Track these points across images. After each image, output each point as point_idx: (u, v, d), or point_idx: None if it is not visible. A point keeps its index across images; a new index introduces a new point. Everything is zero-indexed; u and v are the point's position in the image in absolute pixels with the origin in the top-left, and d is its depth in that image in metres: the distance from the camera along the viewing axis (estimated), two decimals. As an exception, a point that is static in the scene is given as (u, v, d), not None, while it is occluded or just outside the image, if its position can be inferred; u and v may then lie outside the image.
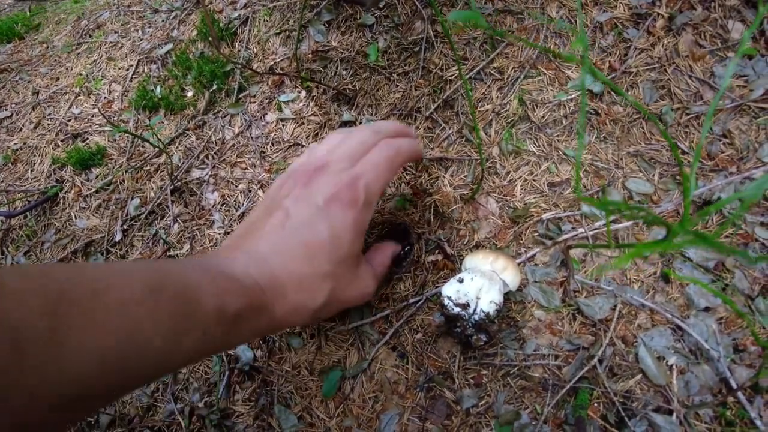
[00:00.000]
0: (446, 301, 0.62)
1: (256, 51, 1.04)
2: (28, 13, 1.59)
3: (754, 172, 0.68)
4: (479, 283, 0.61)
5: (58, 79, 1.27)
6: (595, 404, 0.60)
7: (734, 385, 0.57)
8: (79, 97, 1.20)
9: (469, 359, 0.67)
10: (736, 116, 0.71)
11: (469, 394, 0.65)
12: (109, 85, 1.18)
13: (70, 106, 1.19)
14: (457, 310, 0.61)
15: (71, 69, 1.27)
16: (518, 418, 0.62)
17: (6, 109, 1.25)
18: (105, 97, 1.17)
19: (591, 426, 0.59)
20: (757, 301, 0.61)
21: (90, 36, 1.34)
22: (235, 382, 0.77)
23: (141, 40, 1.24)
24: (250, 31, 1.07)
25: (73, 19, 1.45)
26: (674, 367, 0.60)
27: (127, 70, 1.19)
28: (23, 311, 0.31)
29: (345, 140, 0.61)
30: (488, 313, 0.60)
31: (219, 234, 0.88)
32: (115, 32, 1.30)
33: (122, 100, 1.14)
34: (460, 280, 0.63)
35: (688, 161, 0.70)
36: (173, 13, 1.24)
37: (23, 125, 1.21)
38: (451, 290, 0.62)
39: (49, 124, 1.17)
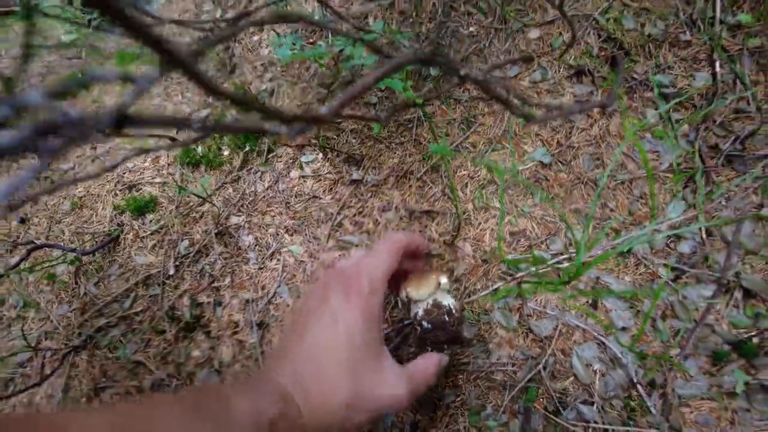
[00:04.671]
0: (422, 314, 0.79)
1: (281, 119, 1.29)
2: (79, 75, 1.85)
3: (661, 226, 0.91)
4: (435, 297, 0.80)
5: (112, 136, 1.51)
6: (540, 399, 0.82)
7: (637, 383, 0.79)
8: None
9: (449, 367, 0.89)
10: (648, 182, 0.95)
11: (449, 392, 0.87)
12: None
13: (123, 160, 1.42)
14: (435, 312, 0.79)
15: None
16: (484, 409, 0.84)
17: (69, 162, 1.49)
18: (154, 154, 1.41)
19: (536, 414, 0.81)
20: (658, 321, 0.84)
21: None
22: None
23: (181, 103, 1.49)
24: (275, 101, 1.32)
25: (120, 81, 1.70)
26: (597, 371, 0.82)
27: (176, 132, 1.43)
28: None
29: (357, 252, 0.71)
30: (450, 305, 0.78)
31: (254, 269, 1.11)
32: (159, 96, 1.55)
33: (168, 157, 1.38)
34: (426, 305, 0.81)
35: (614, 215, 0.94)
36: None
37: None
38: (421, 311, 0.81)
39: (107, 175, 1.41)
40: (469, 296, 0.95)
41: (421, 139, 1.09)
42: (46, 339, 1.18)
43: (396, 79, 0.77)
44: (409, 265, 0.80)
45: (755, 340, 0.78)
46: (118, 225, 1.27)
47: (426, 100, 1.02)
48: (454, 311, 0.77)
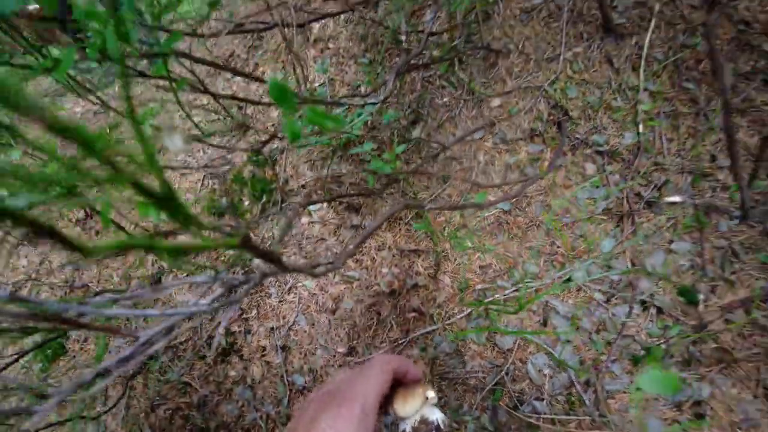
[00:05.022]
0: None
1: (291, 173, 1.55)
2: (107, 130, 2.11)
3: (595, 260, 1.16)
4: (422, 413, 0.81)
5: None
6: (504, 397, 1.07)
7: (576, 383, 1.04)
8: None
9: (435, 376, 1.14)
10: (587, 223, 1.21)
11: (435, 396, 1.11)
12: (185, 194, 1.68)
13: (157, 210, 1.68)
14: (423, 429, 0.69)
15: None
16: (461, 407, 1.08)
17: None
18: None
19: (501, 410, 1.06)
20: (593, 334, 1.09)
21: (163, 154, 1.85)
22: (293, 397, 1.24)
23: (203, 159, 1.75)
24: (286, 158, 1.58)
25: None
26: (547, 374, 1.07)
27: (197, 183, 1.69)
28: None
29: (345, 371, 0.68)
30: (438, 420, 0.81)
31: (275, 302, 1.36)
32: (184, 152, 1.81)
33: (195, 206, 1.64)
34: (414, 422, 0.71)
35: (561, 253, 1.19)
36: (225, 138, 1.75)
37: (124, 225, 1.70)
38: (408, 428, 0.71)
39: (142, 222, 1.66)
40: (449, 319, 1.20)
41: (407, 191, 1.35)
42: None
43: (386, 160, 1.03)
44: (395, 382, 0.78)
45: (663, 346, 1.03)
46: (159, 269, 1.52)
47: (409, 171, 1.27)
48: (442, 426, 0.72)
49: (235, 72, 0.89)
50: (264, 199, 1.53)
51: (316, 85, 1.62)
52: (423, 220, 1.13)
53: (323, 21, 1.69)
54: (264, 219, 1.51)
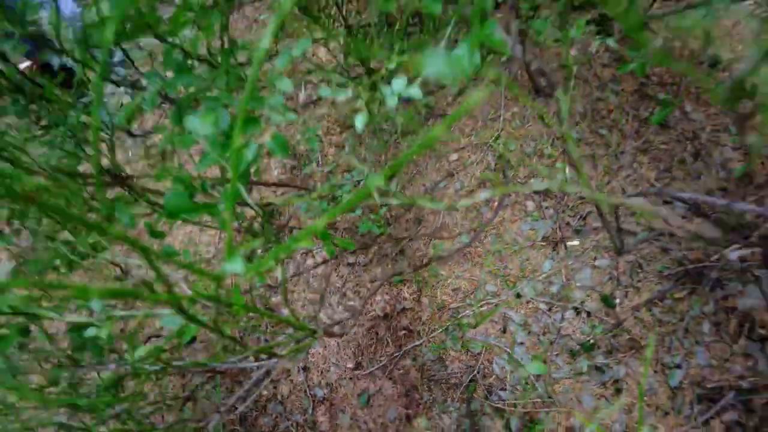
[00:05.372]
0: None
1: (295, 223, 1.88)
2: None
3: (539, 278, 1.51)
4: None
5: (167, 237, 2.09)
6: (477, 390, 1.42)
7: (530, 374, 1.39)
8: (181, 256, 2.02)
9: (424, 379, 1.48)
10: (531, 249, 1.55)
11: (425, 395, 1.45)
12: (206, 247, 2.01)
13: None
14: None
15: (177, 237, 2.10)
16: (446, 402, 1.43)
17: (133, 259, 2.06)
18: (202, 256, 1.99)
19: (475, 401, 1.40)
20: (540, 336, 1.43)
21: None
22: (316, 406, 1.57)
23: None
24: (289, 209, 1.90)
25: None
26: (508, 370, 1.42)
27: (215, 237, 2.02)
28: None
29: None
30: None
31: (291, 331, 1.69)
32: (199, 208, 2.13)
33: (215, 258, 1.96)
34: None
35: (513, 274, 1.54)
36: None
37: (146, 273, 2.01)
38: None
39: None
40: (432, 333, 1.54)
41: (392, 233, 1.69)
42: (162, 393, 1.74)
43: (373, 220, 1.36)
44: None
45: (591, 341, 1.38)
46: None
47: (398, 238, 1.62)
48: None
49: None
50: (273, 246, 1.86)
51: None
52: (405, 256, 1.48)
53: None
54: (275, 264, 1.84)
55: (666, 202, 1.46)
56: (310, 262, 1.80)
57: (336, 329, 1.52)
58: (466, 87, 1.77)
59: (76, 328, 0.71)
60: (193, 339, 1.77)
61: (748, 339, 1.26)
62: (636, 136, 1.61)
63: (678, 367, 1.28)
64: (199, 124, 0.63)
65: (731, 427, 1.18)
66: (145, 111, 2.17)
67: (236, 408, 1.40)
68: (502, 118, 1.69)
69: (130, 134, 1.76)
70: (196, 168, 0.65)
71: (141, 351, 0.74)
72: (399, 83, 0.73)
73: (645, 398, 1.29)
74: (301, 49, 0.72)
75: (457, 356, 1.48)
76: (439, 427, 1.42)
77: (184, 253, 1.05)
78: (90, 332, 0.67)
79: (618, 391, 1.32)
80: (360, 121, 0.77)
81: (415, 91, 0.73)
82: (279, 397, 1.61)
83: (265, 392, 1.62)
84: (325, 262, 1.77)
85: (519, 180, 1.63)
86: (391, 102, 0.72)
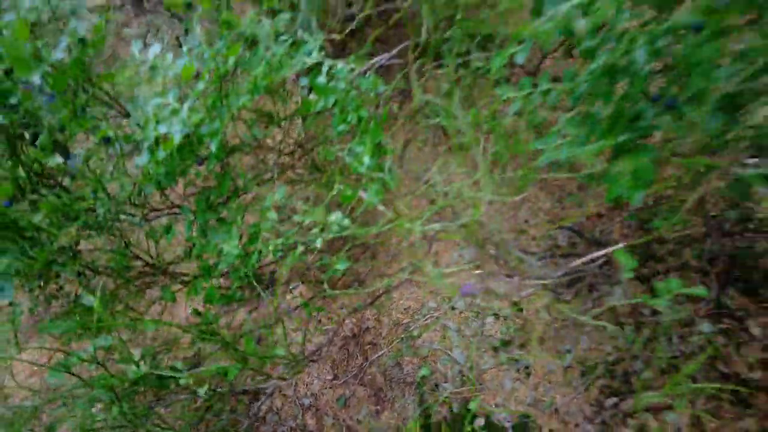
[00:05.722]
0: None
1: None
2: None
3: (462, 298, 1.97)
4: None
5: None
6: (427, 385, 1.86)
7: (464, 368, 1.84)
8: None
9: (387, 381, 1.91)
10: (459, 271, 2.01)
11: (392, 392, 1.89)
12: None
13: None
14: None
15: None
16: (404, 396, 1.86)
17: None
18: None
19: (426, 393, 1.84)
20: (471, 339, 1.89)
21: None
22: (305, 412, 1.98)
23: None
24: (267, 255, 2.32)
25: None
26: (449, 366, 1.86)
27: (207, 281, 2.41)
28: None
29: None
30: None
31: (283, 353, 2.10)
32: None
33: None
34: None
35: (447, 292, 1.99)
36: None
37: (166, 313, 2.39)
38: None
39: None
40: (391, 344, 1.97)
41: (354, 267, 2.12)
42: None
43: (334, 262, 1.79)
44: None
45: (508, 339, 1.84)
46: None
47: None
48: None
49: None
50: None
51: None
52: (365, 286, 1.91)
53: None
54: (258, 302, 2.25)
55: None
56: (288, 297, 2.21)
57: (316, 351, 1.94)
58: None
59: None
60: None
61: (615, 326, 1.74)
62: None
63: (569, 351, 1.75)
64: (220, 237, 1.06)
65: (602, 389, 1.65)
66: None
67: (258, 416, 1.80)
68: (432, 171, 2.14)
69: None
70: (221, 264, 1.07)
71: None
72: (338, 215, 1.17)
73: (546, 377, 1.75)
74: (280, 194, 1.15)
75: (410, 360, 1.92)
76: (401, 416, 1.85)
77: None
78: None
79: (528, 374, 1.78)
80: (318, 242, 1.20)
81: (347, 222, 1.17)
82: (275, 408, 2.01)
83: (263, 405, 2.03)
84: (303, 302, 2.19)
85: (446, 216, 2.09)
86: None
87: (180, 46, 2.41)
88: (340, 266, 1.74)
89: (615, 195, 0.93)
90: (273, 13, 1.02)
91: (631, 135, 0.86)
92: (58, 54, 0.99)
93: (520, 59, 1.06)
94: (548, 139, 1.00)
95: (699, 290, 0.96)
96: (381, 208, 1.29)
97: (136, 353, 1.31)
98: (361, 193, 1.17)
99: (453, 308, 1.94)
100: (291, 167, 1.78)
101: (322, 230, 1.19)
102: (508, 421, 1.70)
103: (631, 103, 0.87)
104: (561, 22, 0.86)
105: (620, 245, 1.17)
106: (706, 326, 1.59)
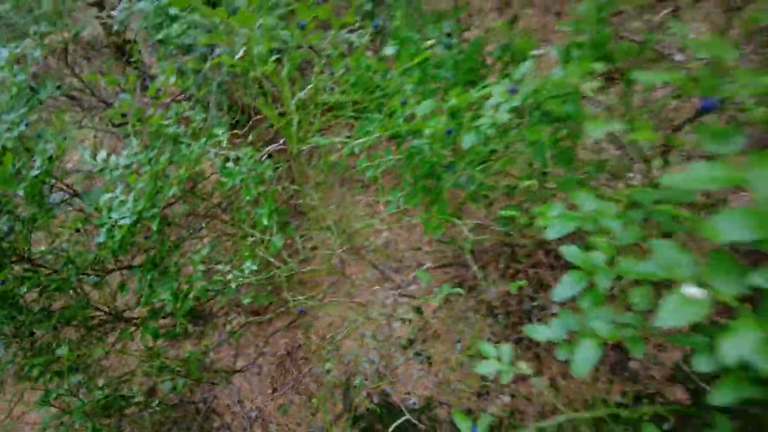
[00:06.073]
0: None
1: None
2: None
3: (380, 307, 2.39)
4: None
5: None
6: (352, 384, 2.25)
7: (379, 366, 2.25)
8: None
9: (319, 387, 2.28)
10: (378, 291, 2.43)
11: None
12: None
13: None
14: None
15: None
16: (334, 395, 2.24)
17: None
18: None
19: (351, 390, 2.23)
20: (385, 341, 2.30)
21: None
22: (253, 424, 2.31)
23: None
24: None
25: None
26: (368, 367, 2.27)
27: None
28: None
29: None
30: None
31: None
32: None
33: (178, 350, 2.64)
34: None
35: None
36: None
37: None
38: None
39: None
40: (320, 355, 2.35)
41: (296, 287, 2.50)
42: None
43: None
44: None
45: (413, 338, 2.27)
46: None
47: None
48: None
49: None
50: (222, 326, 2.59)
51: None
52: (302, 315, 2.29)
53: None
54: (226, 342, 2.57)
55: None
56: (229, 328, 2.55)
57: (248, 365, 2.29)
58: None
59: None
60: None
61: (490, 316, 2.20)
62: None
63: (458, 342, 2.20)
64: (162, 288, 1.42)
65: (484, 368, 2.10)
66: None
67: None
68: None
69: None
70: (166, 307, 1.43)
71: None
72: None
73: (445, 366, 2.19)
74: (206, 249, 1.54)
75: (336, 366, 2.31)
76: (333, 413, 2.23)
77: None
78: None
79: (430, 364, 2.21)
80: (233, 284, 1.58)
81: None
82: (225, 424, 2.33)
83: (215, 423, 2.34)
84: (242, 326, 2.54)
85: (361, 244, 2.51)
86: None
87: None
88: (264, 300, 2.12)
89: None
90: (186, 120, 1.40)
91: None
92: (33, 172, 1.31)
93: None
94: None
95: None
96: (299, 245, 1.71)
97: (101, 383, 1.63)
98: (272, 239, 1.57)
99: (369, 318, 2.35)
100: (219, 219, 2.15)
101: (241, 272, 1.57)
102: (416, 404, 2.12)
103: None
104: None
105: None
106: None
